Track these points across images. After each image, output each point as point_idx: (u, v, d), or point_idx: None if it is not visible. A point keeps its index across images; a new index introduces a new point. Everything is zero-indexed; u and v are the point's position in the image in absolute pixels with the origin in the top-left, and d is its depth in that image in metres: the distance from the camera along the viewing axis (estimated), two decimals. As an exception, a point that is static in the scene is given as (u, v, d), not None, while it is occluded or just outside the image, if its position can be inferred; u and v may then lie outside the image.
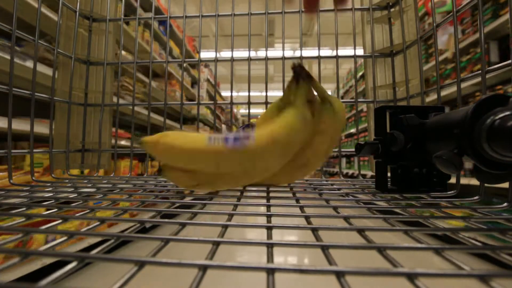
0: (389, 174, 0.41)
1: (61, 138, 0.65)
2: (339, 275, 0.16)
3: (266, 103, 0.65)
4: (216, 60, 0.67)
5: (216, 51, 0.69)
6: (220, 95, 5.15)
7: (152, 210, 0.31)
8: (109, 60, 0.69)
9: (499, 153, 0.25)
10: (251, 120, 0.39)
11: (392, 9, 0.64)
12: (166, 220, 0.27)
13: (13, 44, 0.49)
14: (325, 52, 7.19)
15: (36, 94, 0.53)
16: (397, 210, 0.33)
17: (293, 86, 0.37)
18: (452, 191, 0.41)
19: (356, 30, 0.67)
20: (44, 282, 0.15)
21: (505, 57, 1.88)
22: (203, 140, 0.30)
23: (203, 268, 0.17)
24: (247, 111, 0.70)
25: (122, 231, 0.23)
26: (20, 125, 1.20)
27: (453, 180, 0.42)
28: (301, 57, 0.66)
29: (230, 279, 1.33)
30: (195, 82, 3.74)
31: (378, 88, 0.65)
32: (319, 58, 0.66)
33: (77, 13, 0.65)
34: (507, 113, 0.24)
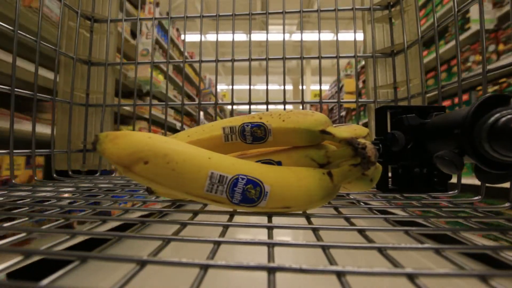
0: (389, 174, 0.41)
1: (63, 139, 0.65)
2: (340, 275, 0.16)
3: (267, 103, 0.65)
4: (217, 61, 0.67)
5: (216, 53, 0.69)
6: (195, 71, 3.98)
7: (153, 210, 0.31)
8: (111, 60, 0.70)
9: (500, 153, 0.25)
10: (258, 117, 0.33)
11: (393, 9, 0.64)
12: (167, 219, 0.27)
13: (15, 45, 0.49)
14: (325, 36, 6.46)
15: (38, 94, 0.53)
16: (397, 211, 0.33)
17: (345, 158, 0.30)
18: (453, 191, 0.40)
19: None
20: (45, 281, 0.15)
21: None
22: (201, 184, 0.26)
23: (204, 268, 0.17)
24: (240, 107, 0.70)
25: (122, 229, 0.23)
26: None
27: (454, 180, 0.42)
28: (301, 57, 0.66)
29: (230, 279, 1.33)
30: (135, 34, 2.23)
31: (379, 88, 0.65)
32: (319, 58, 0.66)
33: (79, 14, 0.66)
34: (508, 112, 0.24)
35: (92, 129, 0.69)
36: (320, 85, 0.68)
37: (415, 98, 0.57)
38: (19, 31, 0.49)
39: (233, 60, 0.67)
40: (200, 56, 0.69)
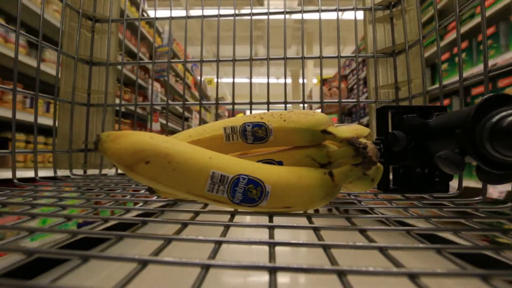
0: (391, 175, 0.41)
1: (64, 138, 0.65)
2: (341, 274, 0.16)
3: (268, 102, 0.65)
4: (218, 61, 0.67)
5: (217, 53, 0.69)
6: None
7: (154, 209, 0.32)
8: (112, 60, 0.70)
9: (502, 153, 0.25)
10: (259, 116, 0.34)
11: (394, 9, 0.64)
12: (168, 219, 0.27)
13: (17, 44, 0.49)
14: (327, 15, 5.42)
15: (39, 94, 0.53)
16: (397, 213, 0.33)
17: (346, 158, 0.30)
18: (455, 192, 0.40)
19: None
20: (45, 281, 0.15)
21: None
22: (202, 184, 0.26)
23: (206, 267, 0.17)
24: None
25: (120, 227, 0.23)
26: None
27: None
28: (302, 57, 0.66)
29: (231, 279, 1.33)
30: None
31: (380, 88, 0.65)
32: (320, 58, 0.66)
33: (80, 14, 0.66)
34: (510, 112, 0.24)
35: (94, 128, 0.69)
36: (321, 85, 0.68)
37: (416, 98, 0.57)
38: (21, 31, 0.49)
39: (234, 60, 0.67)
40: (201, 56, 0.69)
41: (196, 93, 4.91)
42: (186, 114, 4.18)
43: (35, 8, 1.51)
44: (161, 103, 0.70)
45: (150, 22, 2.86)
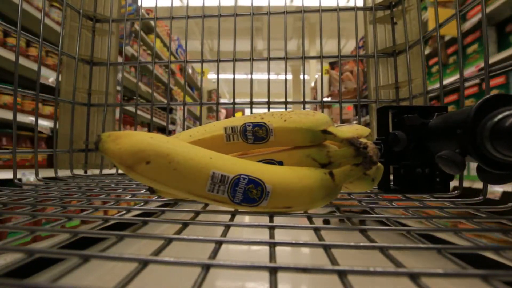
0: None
1: (65, 138, 0.65)
2: (342, 274, 0.16)
3: (269, 102, 0.65)
4: (218, 60, 0.67)
5: (218, 54, 0.69)
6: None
7: (155, 209, 0.32)
8: (112, 60, 0.70)
9: (502, 153, 0.25)
10: (260, 117, 0.33)
11: (394, 9, 0.64)
12: (169, 219, 0.27)
13: (18, 45, 0.49)
14: (328, 5, 4.93)
15: (40, 94, 0.54)
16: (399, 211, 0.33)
17: (347, 158, 0.30)
18: (455, 192, 0.40)
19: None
20: (45, 281, 0.15)
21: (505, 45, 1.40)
22: (203, 184, 0.26)
23: (206, 267, 0.17)
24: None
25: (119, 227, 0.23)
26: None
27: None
28: (303, 57, 0.66)
29: (231, 279, 1.33)
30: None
31: (380, 88, 0.65)
32: (321, 57, 0.66)
33: (81, 14, 0.66)
34: (511, 112, 0.24)
35: (94, 128, 0.69)
36: (322, 86, 0.68)
37: (417, 98, 0.57)
38: (22, 32, 0.49)
39: (234, 60, 0.67)
40: (202, 56, 0.69)
41: (182, 80, 4.16)
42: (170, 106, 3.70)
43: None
44: (161, 104, 0.70)
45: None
